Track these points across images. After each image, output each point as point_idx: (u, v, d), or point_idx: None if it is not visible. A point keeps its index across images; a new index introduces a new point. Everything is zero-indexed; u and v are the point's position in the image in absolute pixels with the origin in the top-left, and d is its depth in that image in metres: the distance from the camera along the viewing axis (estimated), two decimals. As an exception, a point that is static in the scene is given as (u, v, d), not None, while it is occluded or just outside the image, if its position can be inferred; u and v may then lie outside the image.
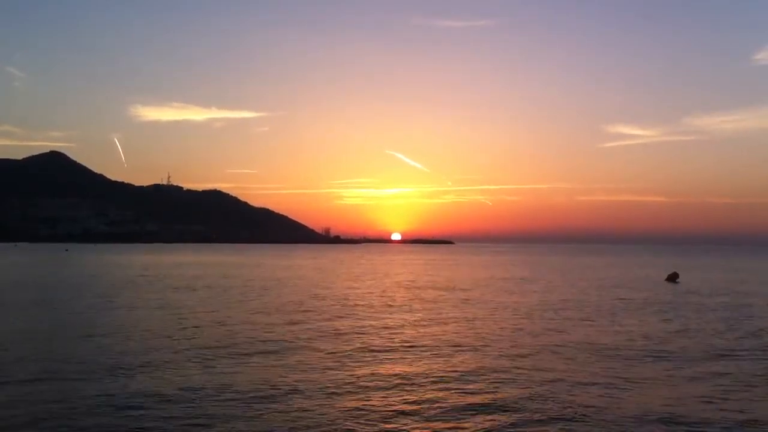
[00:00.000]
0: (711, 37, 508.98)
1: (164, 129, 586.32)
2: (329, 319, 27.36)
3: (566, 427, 12.15)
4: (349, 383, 15.35)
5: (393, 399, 13.98)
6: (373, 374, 16.40)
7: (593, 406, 13.48)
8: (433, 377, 16.11)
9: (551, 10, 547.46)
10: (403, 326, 25.61)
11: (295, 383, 15.23)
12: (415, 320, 27.57)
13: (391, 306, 33.52)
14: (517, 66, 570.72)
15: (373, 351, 19.79)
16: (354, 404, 13.50)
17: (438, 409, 13.20)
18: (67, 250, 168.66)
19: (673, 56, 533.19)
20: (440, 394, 14.45)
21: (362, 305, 33.47)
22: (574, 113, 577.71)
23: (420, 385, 15.23)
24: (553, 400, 13.90)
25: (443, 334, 23.34)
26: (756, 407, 13.74)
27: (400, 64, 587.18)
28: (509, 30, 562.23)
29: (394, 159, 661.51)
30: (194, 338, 21.83)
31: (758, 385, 15.73)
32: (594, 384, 15.51)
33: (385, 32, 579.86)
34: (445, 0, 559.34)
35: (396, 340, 22.07)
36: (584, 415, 12.90)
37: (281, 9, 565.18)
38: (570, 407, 13.37)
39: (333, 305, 33.27)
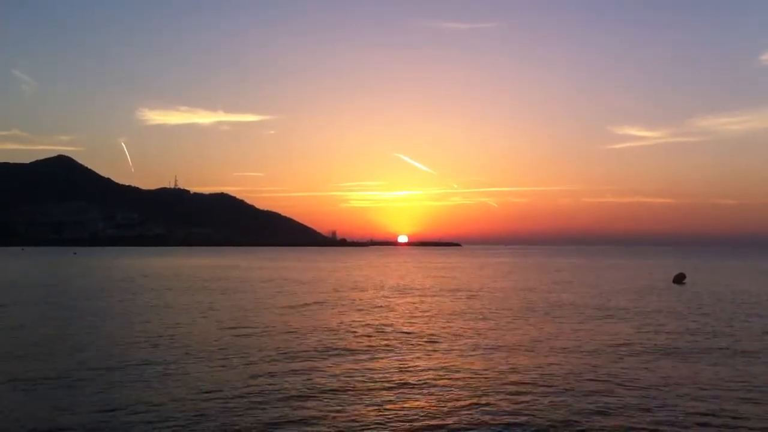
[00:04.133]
0: (716, 39, 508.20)
1: (171, 133, 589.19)
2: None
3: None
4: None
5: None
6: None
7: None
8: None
9: (557, 12, 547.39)
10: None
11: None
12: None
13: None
14: (523, 67, 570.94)
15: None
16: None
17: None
18: (75, 253, 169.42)
19: (679, 58, 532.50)
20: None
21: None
22: (580, 115, 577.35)
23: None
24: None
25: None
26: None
27: (406, 67, 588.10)
28: (515, 32, 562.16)
29: (400, 161, 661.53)
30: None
31: None
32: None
33: (390, 35, 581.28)
34: (450, 2, 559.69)
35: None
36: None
37: (287, 13, 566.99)
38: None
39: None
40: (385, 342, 21.91)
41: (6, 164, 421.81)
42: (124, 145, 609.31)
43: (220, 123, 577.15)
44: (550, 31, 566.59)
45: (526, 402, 13.86)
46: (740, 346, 21.43)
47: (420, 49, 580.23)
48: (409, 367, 17.61)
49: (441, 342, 21.97)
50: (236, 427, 12.01)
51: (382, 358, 18.87)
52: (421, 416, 12.86)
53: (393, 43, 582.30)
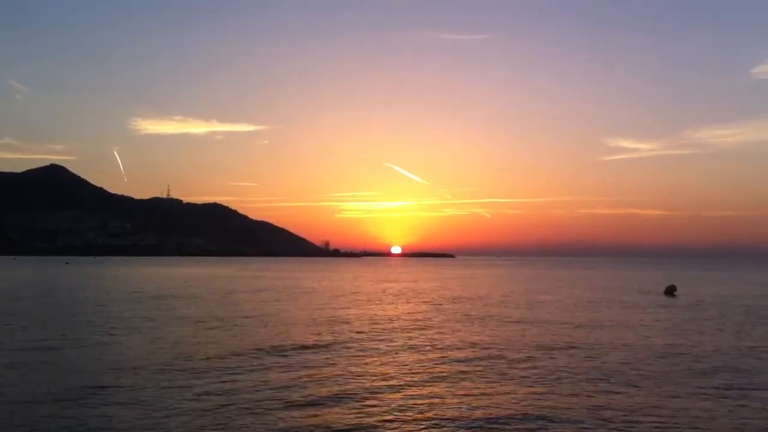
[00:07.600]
0: (710, 51, 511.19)
1: (164, 142, 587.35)
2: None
3: None
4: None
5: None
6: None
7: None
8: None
9: (551, 24, 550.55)
10: None
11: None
12: None
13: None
14: (517, 79, 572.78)
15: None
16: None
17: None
18: (67, 263, 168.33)
19: (673, 70, 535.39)
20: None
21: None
22: (573, 127, 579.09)
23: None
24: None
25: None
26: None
27: (399, 77, 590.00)
28: (509, 43, 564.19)
29: (393, 172, 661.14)
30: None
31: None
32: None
33: (384, 46, 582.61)
34: (444, 13, 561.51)
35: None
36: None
37: (281, 22, 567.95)
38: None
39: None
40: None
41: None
42: (117, 155, 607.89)
43: (214, 133, 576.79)
44: (544, 43, 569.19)
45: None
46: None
47: (415, 60, 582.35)
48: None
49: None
50: None
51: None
52: None
53: (387, 53, 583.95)
